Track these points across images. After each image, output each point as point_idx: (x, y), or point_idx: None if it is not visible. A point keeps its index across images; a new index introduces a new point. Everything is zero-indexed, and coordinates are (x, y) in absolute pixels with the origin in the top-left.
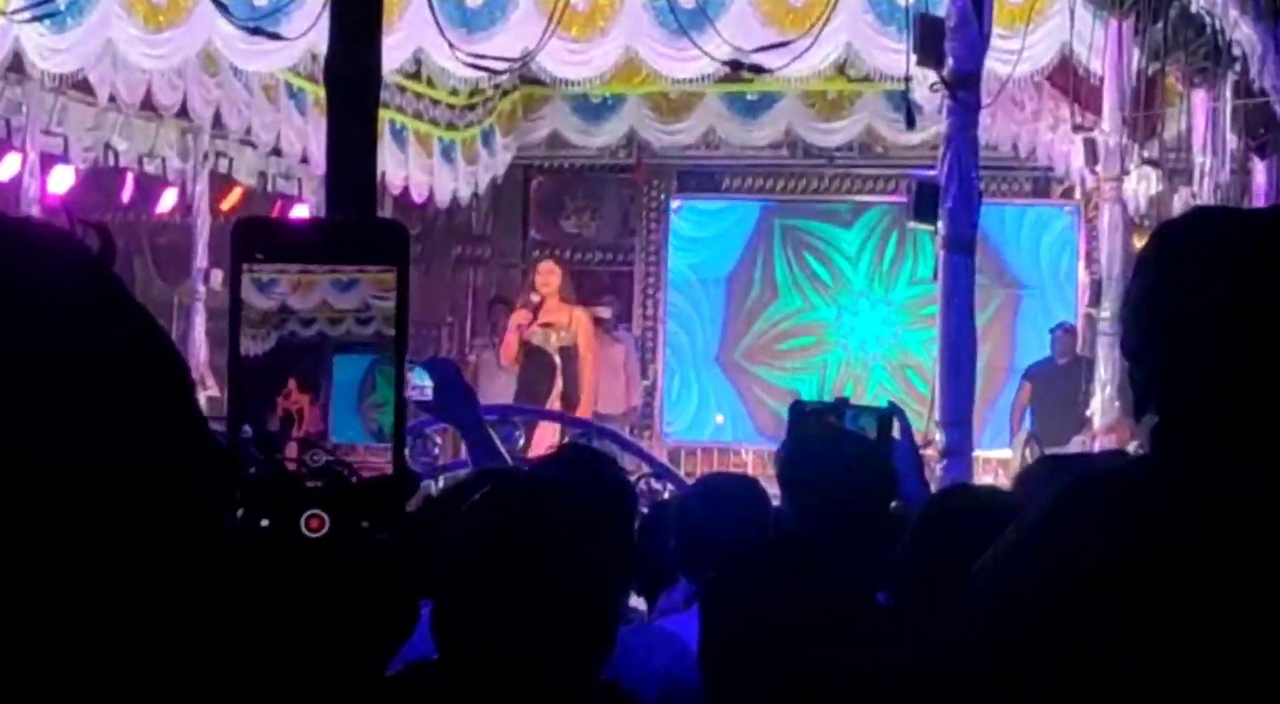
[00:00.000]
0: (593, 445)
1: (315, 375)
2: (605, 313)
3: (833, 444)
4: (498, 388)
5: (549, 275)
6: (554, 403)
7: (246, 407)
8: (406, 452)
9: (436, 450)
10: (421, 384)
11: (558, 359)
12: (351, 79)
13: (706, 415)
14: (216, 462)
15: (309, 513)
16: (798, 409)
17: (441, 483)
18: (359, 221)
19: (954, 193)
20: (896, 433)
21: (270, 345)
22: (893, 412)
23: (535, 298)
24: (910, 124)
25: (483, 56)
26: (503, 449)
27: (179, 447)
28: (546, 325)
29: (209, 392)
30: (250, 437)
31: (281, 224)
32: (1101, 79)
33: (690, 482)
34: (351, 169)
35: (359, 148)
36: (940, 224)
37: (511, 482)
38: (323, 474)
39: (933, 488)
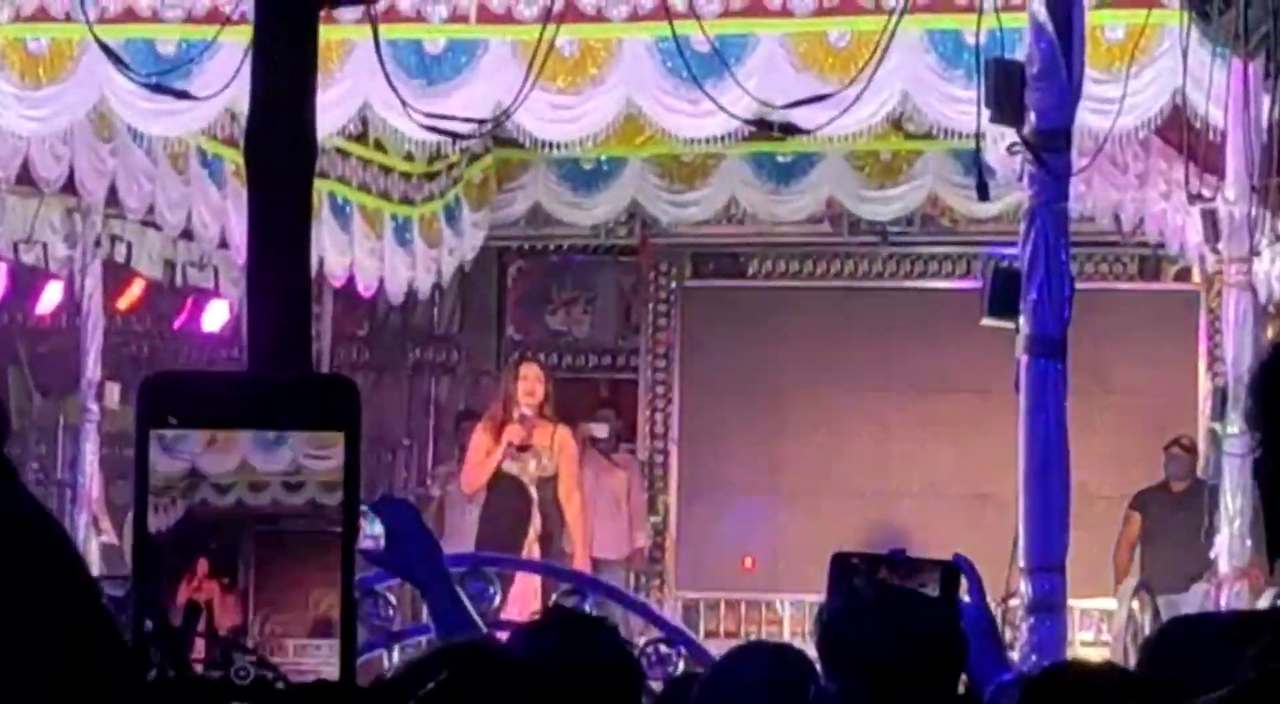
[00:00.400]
0: (585, 606)
1: (231, 555)
2: (601, 432)
3: (885, 607)
4: (469, 528)
5: (536, 384)
6: (530, 548)
7: (147, 594)
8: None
9: (391, 612)
10: (371, 532)
11: (534, 492)
12: (279, 145)
13: (732, 560)
14: (122, 671)
15: None
16: (841, 563)
17: (396, 655)
18: (299, 380)
19: (1039, 280)
20: (964, 593)
21: (176, 517)
22: (960, 566)
23: (527, 410)
24: (983, 194)
25: (446, 116)
26: (473, 612)
27: (79, 664)
28: (524, 448)
29: (104, 537)
30: (151, 632)
31: (200, 381)
32: (1224, 134)
33: (710, 647)
34: (280, 257)
35: (289, 230)
36: (1022, 320)
37: (482, 661)
38: (247, 689)
39: (1015, 653)
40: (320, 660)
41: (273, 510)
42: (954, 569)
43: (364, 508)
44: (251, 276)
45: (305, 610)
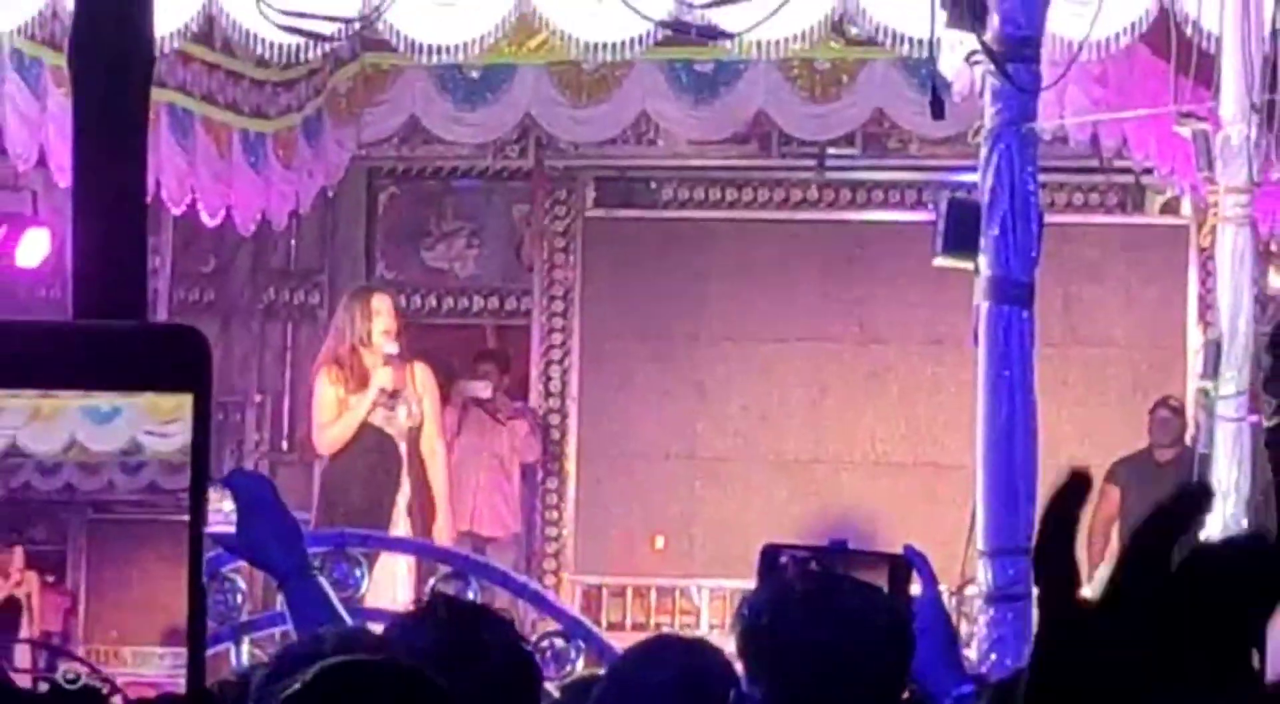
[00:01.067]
0: (469, 593)
1: (58, 547)
2: (484, 391)
3: (821, 603)
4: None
5: (393, 318)
6: (399, 521)
7: None
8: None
9: (240, 598)
10: (220, 508)
11: (402, 447)
12: (110, 46)
13: (640, 539)
14: None
15: None
16: (771, 557)
17: (246, 652)
18: (134, 330)
19: (1003, 213)
20: (916, 587)
21: None
22: (910, 559)
23: (390, 350)
24: (938, 111)
25: (305, 13)
26: (337, 601)
27: None
28: (393, 395)
29: None
30: None
31: (10, 331)
32: (1219, 42)
33: (615, 641)
34: (110, 180)
35: (121, 147)
36: (983, 260)
37: (349, 664)
38: (76, 699)
39: (971, 650)
40: (165, 671)
41: (108, 495)
42: (904, 564)
43: (213, 482)
44: (76, 202)
45: (150, 612)
